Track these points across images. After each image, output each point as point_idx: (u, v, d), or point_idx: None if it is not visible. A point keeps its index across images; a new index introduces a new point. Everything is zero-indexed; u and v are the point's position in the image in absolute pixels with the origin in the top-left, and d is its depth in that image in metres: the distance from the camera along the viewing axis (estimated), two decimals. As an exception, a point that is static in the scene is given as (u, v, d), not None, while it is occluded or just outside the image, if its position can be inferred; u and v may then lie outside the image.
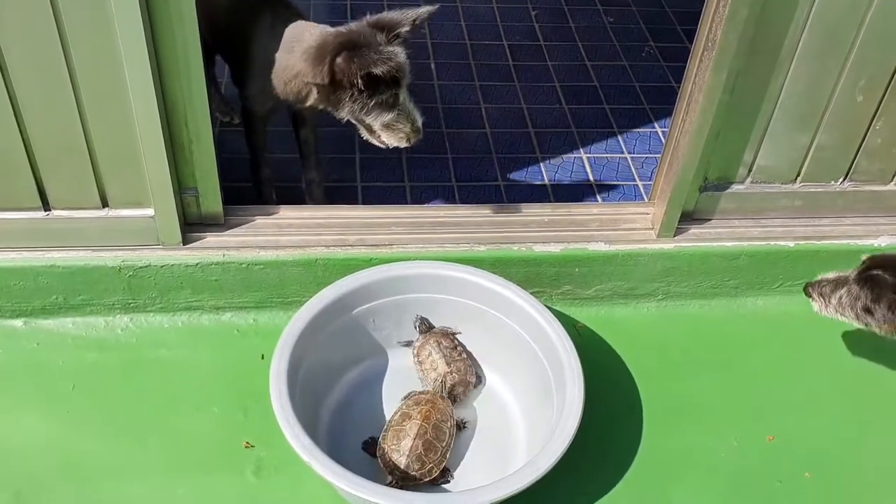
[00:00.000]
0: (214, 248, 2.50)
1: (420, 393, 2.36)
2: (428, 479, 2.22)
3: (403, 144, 2.38)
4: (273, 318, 2.59)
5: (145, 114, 2.18)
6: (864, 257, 2.25)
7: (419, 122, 2.37)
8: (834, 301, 2.23)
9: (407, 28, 2.26)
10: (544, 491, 2.11)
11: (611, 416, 2.44)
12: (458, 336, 2.50)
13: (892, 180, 2.74)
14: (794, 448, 2.42)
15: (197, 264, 2.48)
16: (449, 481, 2.28)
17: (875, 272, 2.17)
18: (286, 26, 2.40)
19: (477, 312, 2.47)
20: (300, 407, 2.10)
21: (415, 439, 2.21)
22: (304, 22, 2.44)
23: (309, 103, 2.39)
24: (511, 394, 2.48)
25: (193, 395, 2.40)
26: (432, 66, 3.69)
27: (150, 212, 2.41)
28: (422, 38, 3.84)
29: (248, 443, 2.29)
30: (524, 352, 2.40)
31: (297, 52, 2.34)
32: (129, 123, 2.21)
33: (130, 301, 2.54)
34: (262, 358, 2.45)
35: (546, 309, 2.38)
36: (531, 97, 3.59)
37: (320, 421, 2.32)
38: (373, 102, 2.27)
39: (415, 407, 2.29)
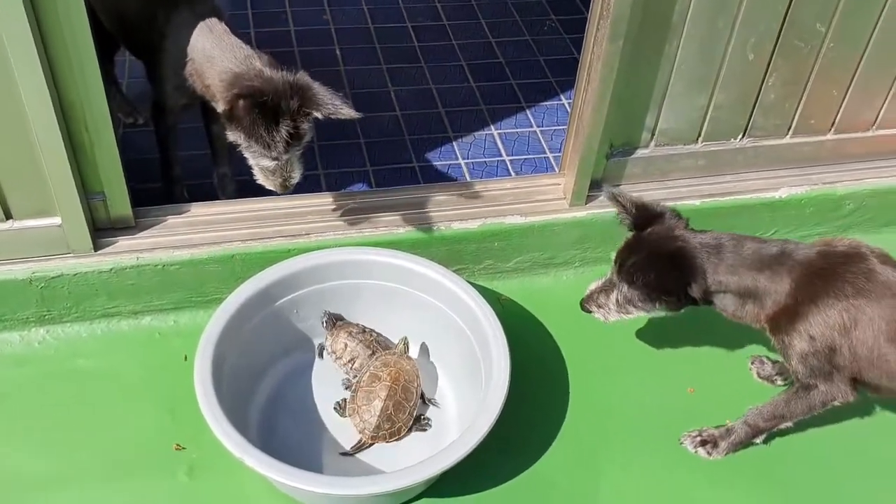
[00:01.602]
0: (127, 251, 2.46)
1: (386, 354, 2.39)
2: (397, 437, 2.29)
3: (268, 187, 2.40)
4: (194, 317, 2.56)
5: (41, 119, 2.13)
6: (612, 256, 2.28)
7: (293, 181, 2.38)
8: (613, 306, 2.27)
9: (321, 116, 2.24)
10: (477, 462, 2.15)
11: (538, 383, 2.50)
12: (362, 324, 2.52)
13: (787, 134, 2.85)
14: (713, 399, 2.52)
15: (111, 269, 2.44)
16: (426, 430, 2.35)
17: (627, 263, 2.19)
18: (203, 20, 2.36)
19: (402, 294, 2.49)
20: (228, 404, 2.10)
21: (385, 400, 2.27)
22: (225, 32, 2.37)
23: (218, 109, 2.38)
24: (441, 370, 2.51)
25: (119, 402, 2.36)
26: (338, 52, 3.67)
27: (57, 220, 2.35)
28: (325, 25, 3.81)
29: (178, 445, 2.27)
30: (451, 329, 2.43)
31: (216, 66, 2.31)
32: (24, 131, 2.15)
33: (45, 313, 2.47)
34: (186, 359, 2.42)
35: (469, 285, 2.42)
36: (439, 77, 3.60)
37: (250, 416, 2.31)
38: (253, 149, 2.29)
39: (383, 368, 2.33)
